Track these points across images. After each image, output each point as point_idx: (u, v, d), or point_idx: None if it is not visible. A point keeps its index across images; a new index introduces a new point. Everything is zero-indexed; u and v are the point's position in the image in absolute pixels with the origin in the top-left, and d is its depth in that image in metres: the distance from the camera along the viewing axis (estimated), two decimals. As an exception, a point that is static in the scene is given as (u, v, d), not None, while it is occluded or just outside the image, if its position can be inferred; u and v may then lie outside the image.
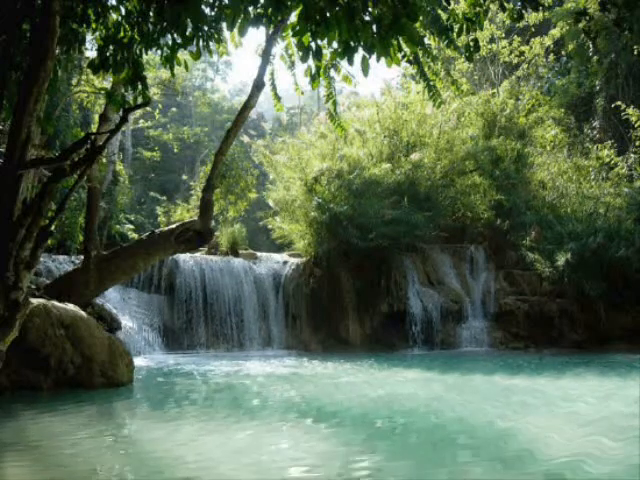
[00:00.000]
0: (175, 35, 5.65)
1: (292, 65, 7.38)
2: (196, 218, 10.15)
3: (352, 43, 4.44)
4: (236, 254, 16.51)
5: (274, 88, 8.09)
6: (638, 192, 16.05)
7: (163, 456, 4.40)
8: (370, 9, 4.42)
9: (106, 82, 12.28)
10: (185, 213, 19.87)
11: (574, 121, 21.86)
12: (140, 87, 5.91)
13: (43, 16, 4.81)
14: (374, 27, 4.41)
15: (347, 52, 4.49)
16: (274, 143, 17.94)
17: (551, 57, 22.31)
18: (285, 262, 16.02)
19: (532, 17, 19.58)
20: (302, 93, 7.73)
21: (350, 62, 4.58)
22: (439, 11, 5.97)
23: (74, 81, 13.80)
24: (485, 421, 5.65)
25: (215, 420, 5.91)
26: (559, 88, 22.03)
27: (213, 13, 5.64)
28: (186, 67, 6.25)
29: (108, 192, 18.00)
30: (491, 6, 6.48)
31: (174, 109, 37.95)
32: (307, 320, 14.87)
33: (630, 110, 17.75)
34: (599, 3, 7.37)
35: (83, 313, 8.09)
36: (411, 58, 6.35)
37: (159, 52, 5.94)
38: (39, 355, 7.33)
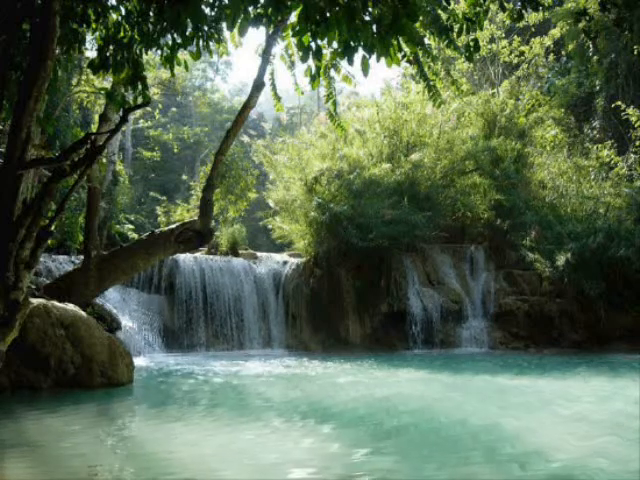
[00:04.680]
0: (175, 35, 5.64)
1: (292, 65, 7.37)
2: (196, 218, 10.15)
3: (352, 43, 4.44)
4: (236, 254, 16.52)
5: (274, 88, 8.09)
6: (638, 192, 16.04)
7: (162, 456, 4.40)
8: (370, 9, 4.42)
9: (106, 82, 12.28)
10: (185, 213, 19.86)
11: (574, 121, 21.85)
12: (140, 87, 5.90)
13: (43, 16, 4.81)
14: (374, 27, 4.41)
15: (347, 52, 4.49)
16: (274, 143, 17.95)
17: (551, 57, 22.29)
18: (285, 262, 16.02)
19: (532, 17, 19.56)
20: (302, 93, 7.71)
21: (350, 62, 4.57)
22: (439, 11, 5.96)
23: (74, 81, 13.80)
24: (485, 421, 5.65)
25: (215, 420, 5.91)
26: (559, 88, 22.02)
27: (213, 13, 5.64)
28: (186, 67, 6.24)
29: (108, 192, 18.00)
30: (491, 6, 6.47)
31: (174, 109, 37.95)
32: (307, 320, 14.87)
33: (630, 110, 17.74)
34: (599, 3, 7.37)
35: (83, 313, 8.09)
36: (411, 58, 6.34)
37: (159, 52, 5.94)
38: (39, 355, 7.33)
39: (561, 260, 14.08)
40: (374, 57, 4.50)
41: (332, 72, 6.01)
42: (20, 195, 4.66)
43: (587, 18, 8.33)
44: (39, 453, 4.52)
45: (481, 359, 12.58)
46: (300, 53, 4.59)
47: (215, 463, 4.20)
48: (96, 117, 15.74)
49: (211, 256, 15.70)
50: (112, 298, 12.81)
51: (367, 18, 4.40)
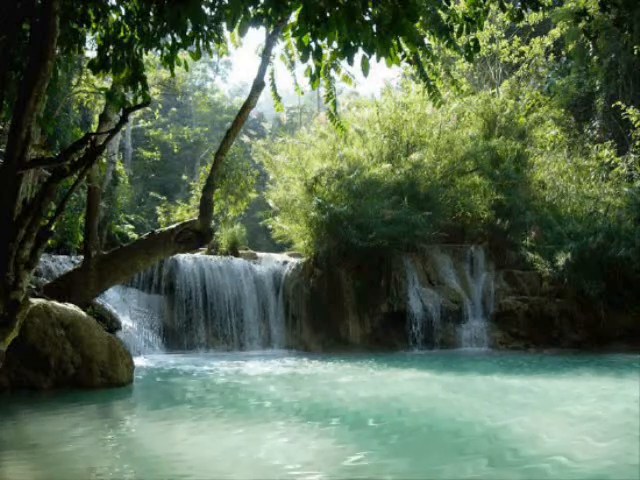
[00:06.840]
0: (175, 35, 5.64)
1: (292, 65, 7.36)
2: (196, 218, 10.15)
3: (352, 43, 4.44)
4: (236, 254, 16.51)
5: (274, 88, 8.08)
6: (638, 192, 16.03)
7: (162, 455, 4.41)
8: (370, 9, 4.42)
9: (106, 82, 12.28)
10: (185, 213, 19.86)
11: (574, 121, 21.85)
12: (140, 87, 5.90)
13: (43, 16, 4.81)
14: (374, 27, 4.41)
15: (347, 52, 4.49)
16: (274, 143, 17.93)
17: (551, 57, 22.29)
18: (285, 262, 16.02)
19: (532, 17, 19.56)
20: (302, 93, 7.71)
21: (350, 62, 4.58)
22: (439, 11, 5.96)
23: (74, 81, 13.80)
24: (484, 421, 5.66)
25: (214, 420, 5.91)
26: (559, 88, 22.02)
27: (213, 13, 5.64)
28: (186, 67, 6.24)
29: (108, 192, 18.00)
30: (491, 6, 6.47)
31: (174, 109, 37.95)
32: (307, 320, 14.87)
33: (630, 110, 17.74)
34: (599, 3, 7.37)
35: (83, 313, 8.10)
36: (411, 58, 6.34)
37: (159, 52, 5.94)
38: (39, 355, 7.33)
39: (561, 260, 14.08)
40: (374, 57, 4.50)
41: (332, 72, 6.00)
42: (20, 195, 4.66)
43: (587, 18, 8.34)
44: (39, 453, 4.52)
45: (481, 359, 12.58)
46: (300, 53, 4.59)
47: (214, 461, 4.21)
48: (96, 117, 15.75)
49: (211, 256, 15.70)
50: (112, 298, 12.81)
51: (367, 18, 4.40)
